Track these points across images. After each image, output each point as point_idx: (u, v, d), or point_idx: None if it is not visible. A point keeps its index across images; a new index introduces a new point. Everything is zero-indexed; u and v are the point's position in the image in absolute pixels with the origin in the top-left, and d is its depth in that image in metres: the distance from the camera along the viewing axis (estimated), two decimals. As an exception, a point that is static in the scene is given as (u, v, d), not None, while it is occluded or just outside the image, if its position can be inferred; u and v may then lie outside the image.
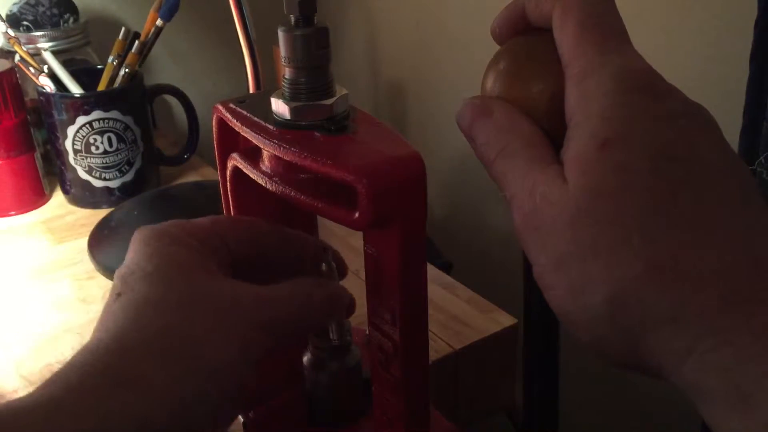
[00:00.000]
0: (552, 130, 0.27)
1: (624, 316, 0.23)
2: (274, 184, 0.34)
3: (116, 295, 0.30)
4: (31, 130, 0.78)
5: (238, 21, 0.61)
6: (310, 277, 0.34)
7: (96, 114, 0.74)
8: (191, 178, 0.85)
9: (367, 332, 0.39)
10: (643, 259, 0.22)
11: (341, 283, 0.37)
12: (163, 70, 1.04)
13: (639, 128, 0.24)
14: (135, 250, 0.32)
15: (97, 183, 0.77)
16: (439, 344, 0.54)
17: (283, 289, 0.32)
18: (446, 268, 0.68)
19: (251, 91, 0.65)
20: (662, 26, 0.69)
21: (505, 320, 0.56)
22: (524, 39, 0.29)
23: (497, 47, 0.30)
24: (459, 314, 0.57)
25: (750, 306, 0.21)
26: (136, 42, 0.76)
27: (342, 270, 0.38)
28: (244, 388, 0.29)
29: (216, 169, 0.40)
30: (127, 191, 0.78)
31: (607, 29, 0.26)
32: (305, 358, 0.40)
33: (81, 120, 0.73)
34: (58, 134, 0.75)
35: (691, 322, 0.22)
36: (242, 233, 0.35)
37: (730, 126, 0.57)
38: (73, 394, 0.26)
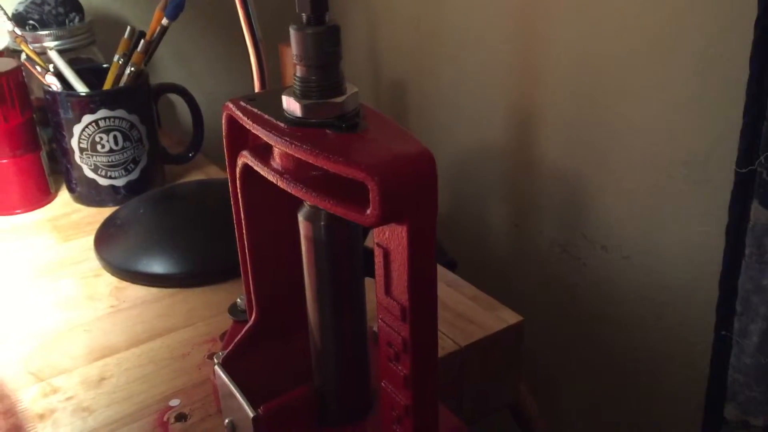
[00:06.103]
0: None
1: None
2: (285, 181, 0.35)
3: None
4: (37, 128, 0.78)
5: (244, 20, 0.61)
6: None
7: (102, 113, 0.74)
8: (196, 176, 0.85)
9: (375, 328, 0.40)
10: None
11: None
12: (167, 69, 1.04)
13: None
14: None
15: (103, 181, 0.77)
16: (445, 341, 0.54)
17: None
18: (451, 266, 0.68)
19: (257, 90, 0.65)
20: (663, 26, 0.69)
21: (510, 317, 0.57)
22: None
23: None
24: (464, 312, 0.58)
25: None
26: (142, 41, 0.76)
27: None
28: None
29: (221, 167, 0.41)
30: (132, 190, 0.78)
31: None
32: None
33: (87, 118, 0.74)
34: (64, 133, 0.75)
35: None
36: None
37: (730, 126, 0.57)
38: None
